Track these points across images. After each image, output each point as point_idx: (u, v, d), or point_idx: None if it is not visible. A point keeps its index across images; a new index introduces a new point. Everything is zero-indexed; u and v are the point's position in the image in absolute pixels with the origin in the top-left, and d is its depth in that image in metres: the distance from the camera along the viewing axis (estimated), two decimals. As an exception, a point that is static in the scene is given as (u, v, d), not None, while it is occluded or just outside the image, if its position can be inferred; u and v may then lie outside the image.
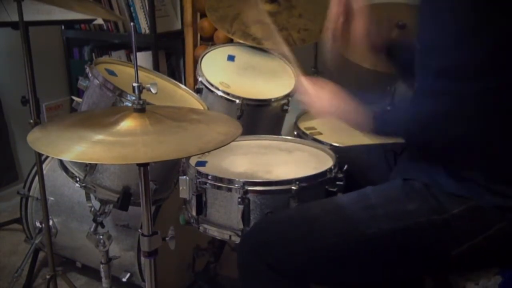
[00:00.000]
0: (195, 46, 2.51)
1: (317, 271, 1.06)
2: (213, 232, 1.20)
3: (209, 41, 2.43)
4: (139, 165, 0.98)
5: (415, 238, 1.03)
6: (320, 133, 1.70)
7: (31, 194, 1.84)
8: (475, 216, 1.00)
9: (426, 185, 1.04)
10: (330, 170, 1.19)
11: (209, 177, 1.17)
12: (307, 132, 1.70)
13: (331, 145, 1.52)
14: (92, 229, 1.42)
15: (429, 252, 1.04)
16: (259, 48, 1.93)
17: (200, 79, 1.74)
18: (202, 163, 1.28)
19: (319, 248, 1.04)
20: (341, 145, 1.53)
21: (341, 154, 1.29)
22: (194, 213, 1.21)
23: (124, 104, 1.28)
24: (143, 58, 2.52)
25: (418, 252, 1.04)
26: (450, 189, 1.01)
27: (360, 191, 1.11)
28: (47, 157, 1.82)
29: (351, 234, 1.03)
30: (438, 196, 1.02)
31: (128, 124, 0.97)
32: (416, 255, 1.05)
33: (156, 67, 2.49)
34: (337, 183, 1.19)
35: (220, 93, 1.69)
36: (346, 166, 1.21)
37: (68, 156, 0.89)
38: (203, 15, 2.42)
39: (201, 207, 1.19)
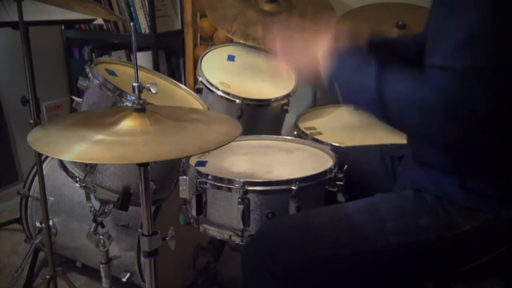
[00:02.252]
0: (195, 46, 2.51)
1: (321, 280, 1.03)
2: (213, 232, 1.20)
3: (209, 41, 2.43)
4: (139, 165, 0.98)
5: (424, 253, 1.00)
6: (320, 133, 1.70)
7: (31, 194, 1.84)
8: (488, 232, 0.97)
9: (438, 198, 1.01)
10: (330, 170, 1.19)
11: (209, 177, 1.17)
12: (307, 132, 1.70)
13: (331, 145, 1.52)
14: (92, 229, 1.42)
15: (437, 267, 1.02)
16: (259, 48, 1.93)
17: (200, 79, 1.74)
18: (202, 163, 1.28)
19: (325, 258, 1.01)
20: (341, 145, 1.53)
21: (339, 155, 1.29)
22: (194, 213, 1.21)
23: (124, 104, 1.28)
24: (143, 58, 2.52)
25: (426, 267, 1.02)
26: (464, 202, 0.98)
27: (369, 200, 1.08)
28: (47, 157, 1.82)
29: (358, 245, 1.00)
30: (451, 210, 0.99)
31: (128, 124, 0.97)
32: (423, 270, 1.02)
33: (156, 67, 2.50)
34: (337, 183, 1.18)
35: (220, 93, 1.69)
36: (346, 166, 1.21)
37: (68, 156, 0.89)
38: (203, 15, 2.42)
39: (201, 207, 1.19)
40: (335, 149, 1.35)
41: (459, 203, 0.98)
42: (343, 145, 1.53)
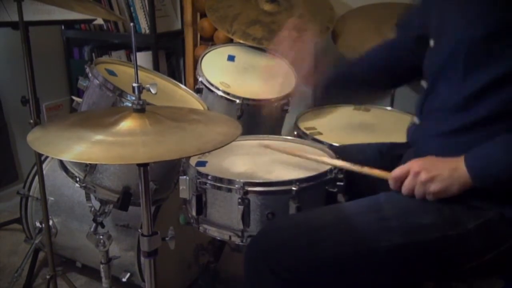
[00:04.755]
0: (195, 46, 2.51)
1: (324, 280, 1.03)
2: (213, 232, 1.20)
3: (209, 41, 2.43)
4: (139, 165, 0.98)
5: (427, 253, 1.00)
6: (320, 133, 1.70)
7: (31, 194, 1.84)
8: (491, 230, 0.97)
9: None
10: (330, 170, 1.19)
11: (209, 177, 1.17)
12: (307, 132, 1.70)
13: (330, 145, 1.51)
14: (92, 229, 1.42)
15: (440, 266, 1.02)
16: (259, 48, 1.93)
17: (200, 79, 1.74)
18: (202, 163, 1.28)
19: (328, 257, 1.01)
20: (337, 144, 1.52)
21: (337, 153, 1.28)
22: (194, 213, 1.21)
23: (124, 104, 1.28)
24: (143, 58, 2.52)
25: (429, 266, 1.02)
26: (468, 200, 0.98)
27: (372, 199, 1.08)
28: (47, 157, 1.82)
29: (362, 245, 1.01)
30: (455, 208, 0.99)
31: (127, 124, 0.97)
32: (426, 269, 1.03)
33: (156, 67, 2.50)
34: (338, 183, 1.18)
35: (220, 93, 1.69)
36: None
37: (68, 156, 0.89)
38: (203, 15, 2.42)
39: (201, 207, 1.19)
40: (333, 148, 1.35)
41: (463, 200, 0.98)
42: (340, 144, 1.53)
